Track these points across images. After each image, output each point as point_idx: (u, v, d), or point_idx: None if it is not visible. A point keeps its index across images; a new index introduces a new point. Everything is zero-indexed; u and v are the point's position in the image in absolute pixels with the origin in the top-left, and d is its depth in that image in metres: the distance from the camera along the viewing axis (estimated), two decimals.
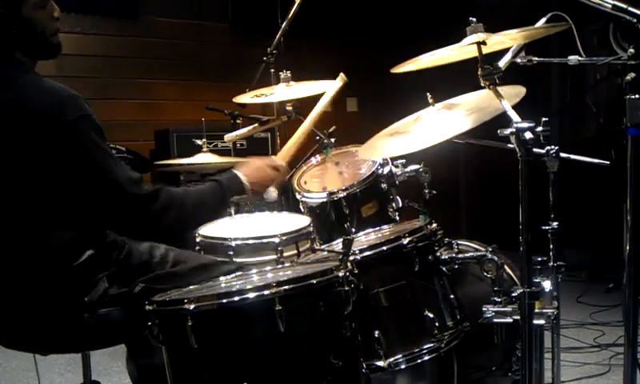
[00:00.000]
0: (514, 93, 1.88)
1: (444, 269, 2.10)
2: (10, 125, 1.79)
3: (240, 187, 2.10)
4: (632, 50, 1.86)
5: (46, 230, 1.81)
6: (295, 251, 2.51)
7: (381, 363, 1.96)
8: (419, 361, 1.99)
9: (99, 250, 1.87)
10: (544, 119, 2.00)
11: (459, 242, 2.34)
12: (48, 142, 1.77)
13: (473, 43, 1.83)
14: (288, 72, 3.08)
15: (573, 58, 2.42)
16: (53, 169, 1.78)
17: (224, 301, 1.58)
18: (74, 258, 1.82)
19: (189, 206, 1.94)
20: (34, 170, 1.78)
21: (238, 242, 2.46)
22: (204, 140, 3.24)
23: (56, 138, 1.77)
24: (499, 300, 1.96)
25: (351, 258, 1.85)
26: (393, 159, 2.66)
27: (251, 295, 1.58)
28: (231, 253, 2.44)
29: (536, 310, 1.70)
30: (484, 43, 1.82)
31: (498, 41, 1.89)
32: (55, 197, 1.81)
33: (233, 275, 1.93)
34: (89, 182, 1.81)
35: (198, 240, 2.59)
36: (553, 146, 2.21)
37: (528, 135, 1.61)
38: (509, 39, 1.98)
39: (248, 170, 2.15)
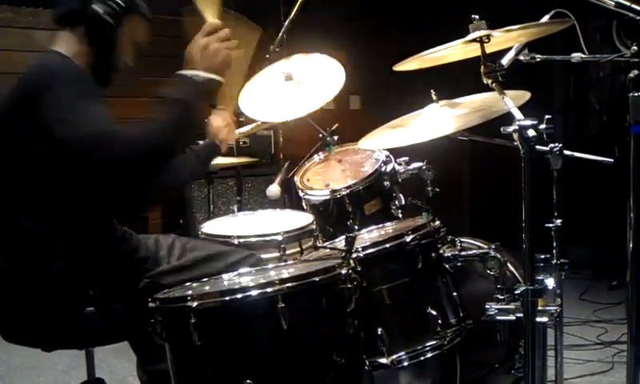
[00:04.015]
0: (517, 96, 1.89)
1: (447, 266, 2.10)
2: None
3: (196, 85, 1.83)
4: (635, 48, 1.86)
5: (57, 219, 1.82)
6: (298, 249, 2.52)
7: (383, 360, 1.96)
8: (422, 358, 1.99)
9: (108, 243, 1.88)
10: (547, 117, 2.01)
11: (462, 239, 2.34)
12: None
13: (474, 40, 1.83)
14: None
15: (576, 56, 2.41)
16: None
17: (227, 298, 1.59)
18: (82, 250, 1.83)
19: (137, 132, 1.77)
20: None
21: (241, 240, 2.47)
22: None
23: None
24: (502, 297, 1.96)
25: (354, 255, 1.86)
26: (396, 157, 2.66)
27: (254, 292, 1.58)
28: None
29: (539, 308, 1.70)
30: (487, 40, 1.82)
31: (500, 38, 1.89)
32: (64, 182, 1.81)
33: (235, 273, 1.93)
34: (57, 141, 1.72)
35: (201, 238, 2.59)
36: (556, 144, 2.21)
37: (531, 133, 1.61)
38: (511, 37, 1.98)
39: (192, 60, 1.89)
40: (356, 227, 2.54)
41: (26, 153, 1.80)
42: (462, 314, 2.09)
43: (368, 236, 2.31)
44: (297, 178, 2.81)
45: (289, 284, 1.59)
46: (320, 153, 2.92)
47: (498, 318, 1.92)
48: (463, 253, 2.11)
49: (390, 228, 2.36)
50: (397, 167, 2.63)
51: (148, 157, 1.74)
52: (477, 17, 1.83)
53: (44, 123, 1.72)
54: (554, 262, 2.21)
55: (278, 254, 2.45)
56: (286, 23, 3.46)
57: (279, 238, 2.47)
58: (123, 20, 1.94)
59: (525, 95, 1.96)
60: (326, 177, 2.81)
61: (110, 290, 1.86)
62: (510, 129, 1.65)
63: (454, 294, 2.10)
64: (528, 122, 1.62)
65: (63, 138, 1.69)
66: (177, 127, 1.80)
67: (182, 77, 1.84)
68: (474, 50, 1.88)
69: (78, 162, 1.73)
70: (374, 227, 2.39)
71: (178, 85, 1.83)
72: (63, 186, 1.82)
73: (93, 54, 1.93)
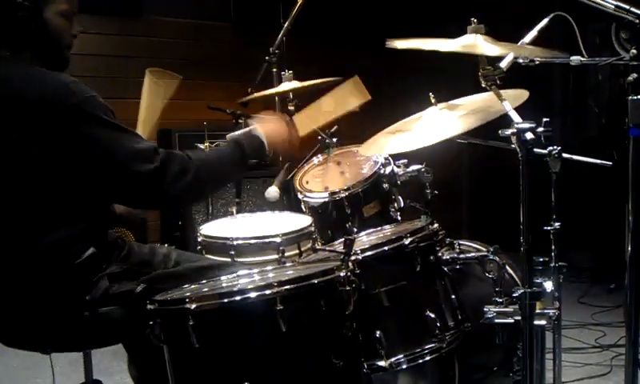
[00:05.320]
0: (516, 95, 1.88)
1: (445, 269, 2.10)
2: (12, 119, 1.78)
3: (260, 147, 2.05)
4: (634, 51, 1.85)
5: (50, 226, 1.81)
6: (297, 251, 2.52)
7: (382, 363, 1.96)
8: (420, 361, 1.99)
9: (101, 249, 1.87)
10: (545, 120, 2.01)
11: (461, 242, 2.34)
12: (52, 130, 1.75)
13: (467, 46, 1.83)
14: (290, 72, 3.08)
15: (575, 59, 2.41)
16: (59, 158, 1.77)
17: (225, 300, 1.58)
18: (76, 255, 1.82)
19: (203, 170, 1.91)
20: (40, 163, 1.77)
21: (240, 242, 2.47)
22: (206, 144, 3.25)
23: (60, 124, 1.75)
24: (500, 300, 1.96)
25: (353, 257, 1.86)
26: (395, 159, 2.66)
27: (253, 295, 1.58)
28: (233, 252, 2.45)
29: (537, 311, 1.70)
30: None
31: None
32: (61, 189, 1.81)
33: (234, 274, 1.93)
34: (91, 162, 1.79)
35: (199, 240, 2.59)
36: (555, 147, 2.21)
37: (529, 136, 1.61)
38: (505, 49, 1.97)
39: (267, 128, 2.08)
40: (355, 229, 2.54)
41: (21, 161, 1.79)
42: (460, 317, 2.09)
43: (367, 238, 2.31)
44: (296, 180, 2.81)
45: (287, 286, 1.59)
46: (319, 155, 2.92)
47: (497, 320, 1.92)
48: (462, 255, 2.11)
49: (388, 230, 2.36)
50: (395, 170, 2.63)
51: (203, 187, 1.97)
52: (475, 20, 1.83)
53: (89, 141, 1.77)
54: (553, 265, 2.21)
55: (276, 256, 2.45)
56: (286, 25, 3.47)
57: (278, 240, 2.46)
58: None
59: (523, 94, 1.95)
60: (324, 179, 2.81)
61: (106, 296, 1.86)
62: (509, 131, 1.65)
63: (453, 296, 2.10)
64: (526, 125, 1.62)
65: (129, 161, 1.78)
66: (230, 173, 2.13)
67: (257, 138, 2.06)
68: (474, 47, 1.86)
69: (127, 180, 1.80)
70: (372, 230, 2.39)
71: (252, 140, 2.04)
72: (71, 195, 1.82)
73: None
